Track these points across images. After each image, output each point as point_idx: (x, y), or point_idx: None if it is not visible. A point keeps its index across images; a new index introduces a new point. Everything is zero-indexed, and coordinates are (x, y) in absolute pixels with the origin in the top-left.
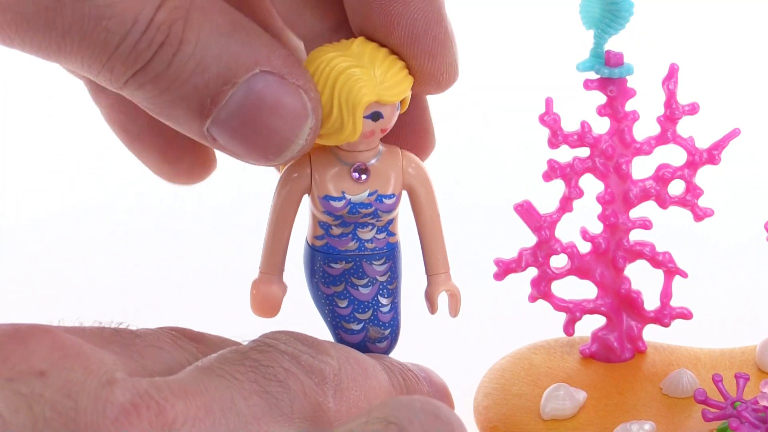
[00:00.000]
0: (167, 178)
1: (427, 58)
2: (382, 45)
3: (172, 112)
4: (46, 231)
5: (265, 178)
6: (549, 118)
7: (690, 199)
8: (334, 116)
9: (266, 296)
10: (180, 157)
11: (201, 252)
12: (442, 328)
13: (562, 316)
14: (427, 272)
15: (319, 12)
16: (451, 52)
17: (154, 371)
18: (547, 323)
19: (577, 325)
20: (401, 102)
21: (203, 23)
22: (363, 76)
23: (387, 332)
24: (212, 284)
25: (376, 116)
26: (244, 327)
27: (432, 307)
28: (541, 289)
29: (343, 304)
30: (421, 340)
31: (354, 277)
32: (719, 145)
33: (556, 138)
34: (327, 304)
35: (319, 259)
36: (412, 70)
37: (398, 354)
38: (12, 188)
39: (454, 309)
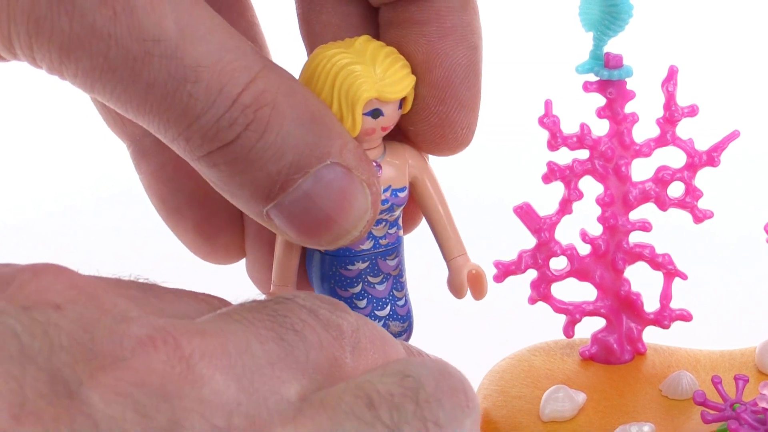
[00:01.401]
0: (202, 255)
1: (455, 108)
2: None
3: (239, 192)
4: (53, 223)
5: None
6: (548, 121)
7: (689, 201)
8: (334, 112)
9: None
10: (217, 235)
11: None
12: (442, 329)
13: (561, 318)
14: (446, 258)
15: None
16: (476, 112)
17: (172, 317)
18: (547, 325)
19: (577, 326)
20: (404, 102)
21: (287, 111)
22: (363, 72)
23: (405, 325)
24: (215, 275)
25: (376, 113)
26: None
27: (460, 291)
28: (540, 291)
29: (362, 304)
30: (421, 341)
31: (370, 275)
32: (719, 147)
33: (556, 140)
34: None
35: (335, 263)
36: (434, 116)
37: None
38: (19, 178)
39: (480, 290)
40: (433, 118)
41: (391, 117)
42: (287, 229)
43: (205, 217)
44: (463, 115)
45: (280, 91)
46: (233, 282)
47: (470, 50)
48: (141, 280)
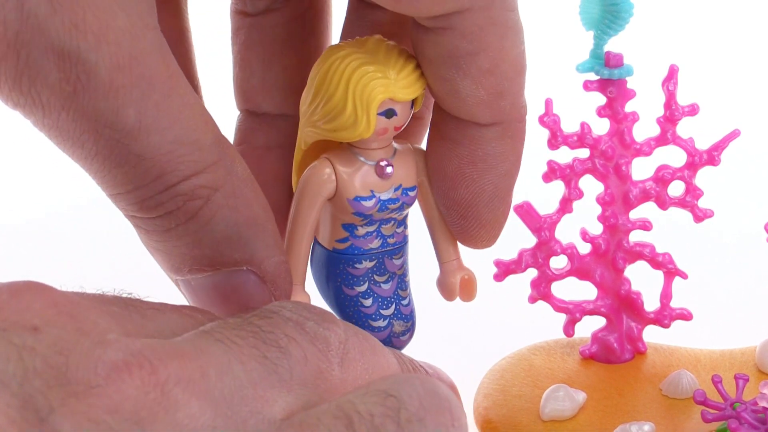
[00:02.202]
0: None
1: (476, 226)
2: (398, 44)
3: (154, 253)
4: (50, 225)
5: None
6: (549, 119)
7: (690, 200)
8: (348, 112)
9: None
10: None
11: None
12: (443, 328)
13: (562, 317)
14: (440, 260)
15: None
16: (498, 228)
17: (154, 333)
18: (547, 324)
19: (577, 326)
20: (414, 101)
21: (220, 209)
22: (377, 73)
23: (409, 324)
24: None
25: (389, 113)
26: None
27: (451, 294)
28: (541, 290)
29: (368, 302)
30: (421, 340)
31: (376, 274)
32: (719, 146)
33: (556, 139)
34: (351, 306)
35: (342, 261)
36: (456, 228)
37: None
38: (14, 181)
39: (470, 293)
40: (455, 228)
41: (403, 116)
42: (191, 303)
43: None
44: (484, 232)
45: (222, 190)
46: None
47: (499, 177)
48: (124, 295)
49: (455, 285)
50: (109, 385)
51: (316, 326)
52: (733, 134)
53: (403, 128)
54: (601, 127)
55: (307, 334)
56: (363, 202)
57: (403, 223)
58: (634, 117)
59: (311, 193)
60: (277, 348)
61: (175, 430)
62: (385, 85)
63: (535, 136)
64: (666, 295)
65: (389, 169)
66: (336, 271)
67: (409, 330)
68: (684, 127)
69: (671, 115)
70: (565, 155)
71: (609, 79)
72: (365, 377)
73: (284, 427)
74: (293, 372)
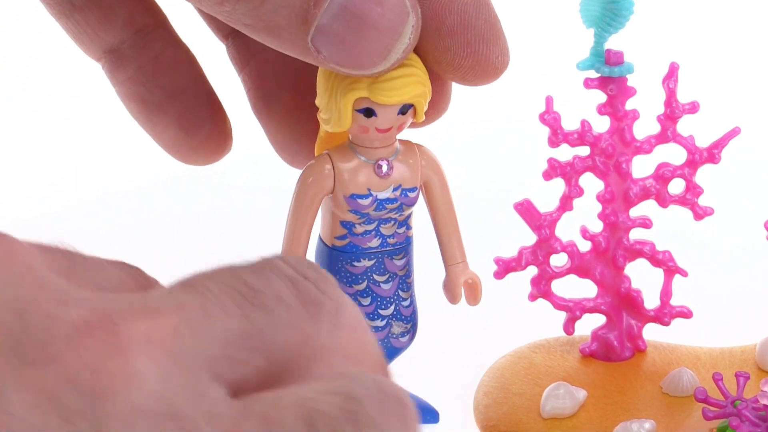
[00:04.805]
0: (182, 154)
1: (481, 43)
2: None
3: (275, 21)
4: (37, 227)
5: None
6: (549, 117)
7: (690, 198)
8: (326, 103)
9: None
10: (197, 128)
11: (198, 245)
12: (443, 326)
13: (562, 315)
14: (445, 263)
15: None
16: (503, 35)
17: (100, 289)
18: (547, 322)
19: (577, 323)
20: (415, 111)
21: None
22: None
23: (409, 326)
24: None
25: (368, 113)
26: None
27: (455, 297)
28: (541, 288)
29: (366, 301)
30: (421, 339)
31: (376, 273)
32: (719, 144)
33: (557, 137)
34: None
35: (341, 258)
36: (467, 58)
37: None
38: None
39: (475, 297)
40: (466, 62)
41: (388, 120)
42: (338, 56)
43: (187, 109)
44: (492, 46)
45: None
46: None
47: None
48: (62, 248)
49: (460, 289)
50: (68, 351)
51: (312, 287)
52: (734, 132)
53: (393, 132)
54: (601, 124)
55: (300, 295)
56: (359, 200)
57: (404, 223)
58: (634, 115)
59: (310, 187)
60: (263, 309)
61: (131, 408)
62: (364, 84)
63: (535, 134)
64: (666, 293)
65: (384, 168)
66: (335, 267)
67: (409, 332)
68: (684, 125)
69: (671, 112)
70: (565, 153)
71: (609, 77)
72: (352, 351)
73: (244, 416)
74: (276, 337)
